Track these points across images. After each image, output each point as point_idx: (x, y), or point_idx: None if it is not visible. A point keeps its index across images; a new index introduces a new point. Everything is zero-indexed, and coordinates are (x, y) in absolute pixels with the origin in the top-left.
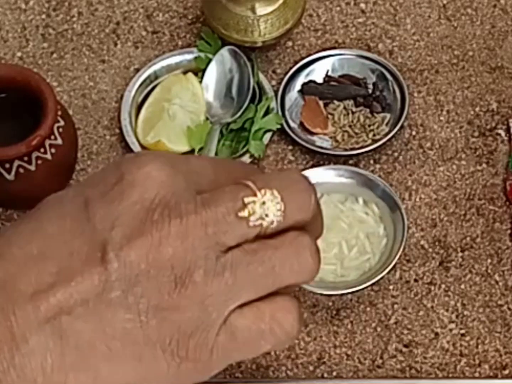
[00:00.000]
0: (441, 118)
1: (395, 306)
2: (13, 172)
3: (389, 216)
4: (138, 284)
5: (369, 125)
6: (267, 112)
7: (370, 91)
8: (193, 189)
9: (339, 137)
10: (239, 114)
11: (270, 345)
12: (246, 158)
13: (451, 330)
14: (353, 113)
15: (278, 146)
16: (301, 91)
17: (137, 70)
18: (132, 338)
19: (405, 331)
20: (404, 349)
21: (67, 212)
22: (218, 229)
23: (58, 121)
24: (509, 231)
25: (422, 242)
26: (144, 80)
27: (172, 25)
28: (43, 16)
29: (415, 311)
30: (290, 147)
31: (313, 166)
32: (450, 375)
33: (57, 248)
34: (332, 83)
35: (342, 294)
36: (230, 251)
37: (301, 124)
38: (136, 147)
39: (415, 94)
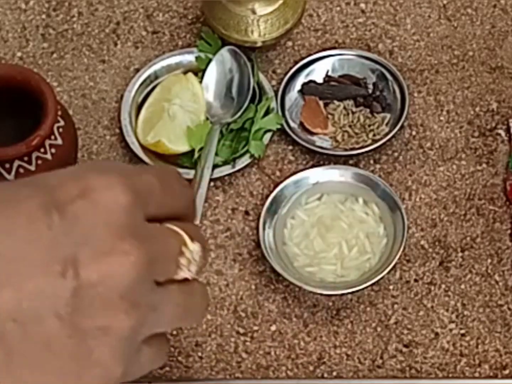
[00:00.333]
0: (441, 118)
1: (395, 306)
2: (13, 172)
3: (389, 216)
4: (91, 305)
5: (369, 125)
6: (267, 112)
7: (370, 91)
8: (143, 219)
9: (339, 137)
10: (239, 114)
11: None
12: (246, 158)
13: (451, 330)
14: (353, 113)
15: (278, 146)
16: (301, 91)
17: (137, 70)
18: (63, 352)
19: (405, 331)
20: (404, 349)
21: (22, 211)
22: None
23: (58, 121)
24: (509, 231)
25: (422, 242)
26: (144, 80)
27: (172, 25)
28: (43, 16)
29: (415, 311)
30: (290, 147)
31: (313, 166)
32: (450, 375)
33: (7, 246)
34: (332, 83)
35: (342, 294)
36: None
37: (301, 124)
38: (136, 147)
39: (415, 94)
